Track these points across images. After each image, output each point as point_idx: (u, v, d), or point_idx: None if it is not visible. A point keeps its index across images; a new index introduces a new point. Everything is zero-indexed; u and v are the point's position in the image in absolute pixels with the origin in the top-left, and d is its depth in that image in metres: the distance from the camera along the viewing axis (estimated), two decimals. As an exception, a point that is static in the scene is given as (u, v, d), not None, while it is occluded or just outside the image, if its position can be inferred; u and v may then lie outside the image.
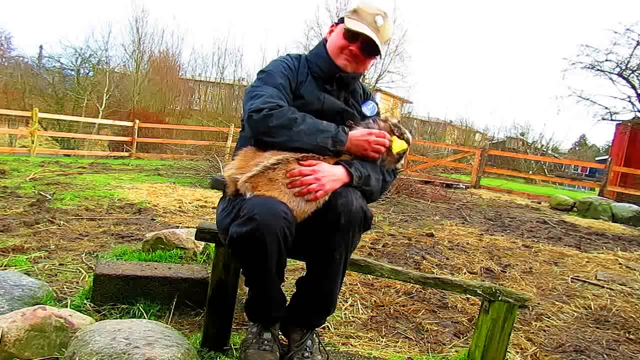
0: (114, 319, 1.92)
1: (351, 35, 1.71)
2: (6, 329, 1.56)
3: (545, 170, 24.80)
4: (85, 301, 2.11)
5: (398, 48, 17.62)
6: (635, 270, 4.30)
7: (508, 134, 28.91)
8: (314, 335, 1.75)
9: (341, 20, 1.77)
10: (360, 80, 1.94)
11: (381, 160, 1.70)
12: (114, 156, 12.97)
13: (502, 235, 5.41)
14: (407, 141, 1.73)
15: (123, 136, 14.16)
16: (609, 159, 12.17)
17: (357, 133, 1.64)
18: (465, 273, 3.52)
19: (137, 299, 2.12)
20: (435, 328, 2.42)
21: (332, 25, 1.81)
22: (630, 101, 14.83)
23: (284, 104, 1.58)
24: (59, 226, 3.70)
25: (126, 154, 13.38)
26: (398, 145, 1.69)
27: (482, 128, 30.30)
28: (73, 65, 20.04)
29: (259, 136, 1.59)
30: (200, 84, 24.35)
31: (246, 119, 1.59)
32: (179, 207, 5.11)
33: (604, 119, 15.35)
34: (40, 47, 25.45)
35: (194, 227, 2.34)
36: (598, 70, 14.92)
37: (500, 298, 1.82)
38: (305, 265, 1.72)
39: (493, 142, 28.63)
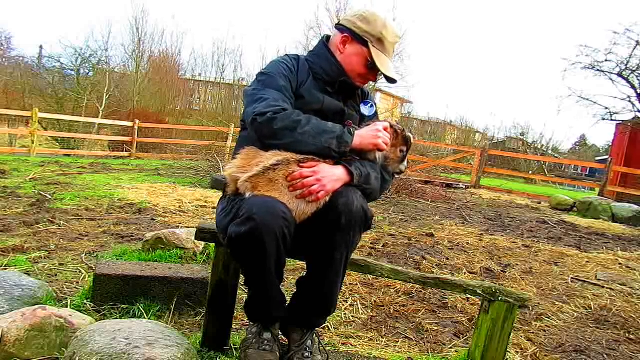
0: (114, 319, 1.92)
1: (375, 68, 1.72)
2: (6, 329, 1.56)
3: (545, 170, 24.78)
4: (85, 301, 2.12)
5: (398, 48, 17.59)
6: (635, 270, 4.30)
7: (508, 134, 28.88)
8: (314, 335, 1.75)
9: (356, 35, 1.71)
10: None
11: (384, 159, 1.70)
12: (114, 156, 12.96)
13: (502, 235, 5.41)
14: (408, 139, 1.74)
15: (123, 136, 14.15)
16: (609, 159, 12.16)
17: (364, 132, 1.64)
18: (465, 273, 3.52)
19: (137, 299, 2.12)
20: (435, 328, 2.42)
21: (345, 36, 1.74)
22: (630, 101, 14.83)
23: (288, 107, 1.58)
24: (59, 226, 3.70)
25: (126, 154, 13.38)
26: None
27: (482, 128, 30.30)
28: (73, 65, 20.05)
29: (264, 139, 1.58)
30: (200, 84, 24.34)
31: (250, 122, 1.58)
32: (179, 207, 5.11)
33: (604, 119, 15.36)
34: (40, 47, 25.43)
35: (194, 227, 2.34)
36: (598, 70, 14.93)
37: (500, 298, 1.82)
38: (305, 265, 1.72)
39: (493, 142, 28.60)
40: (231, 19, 52.14)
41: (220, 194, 1.79)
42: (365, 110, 1.84)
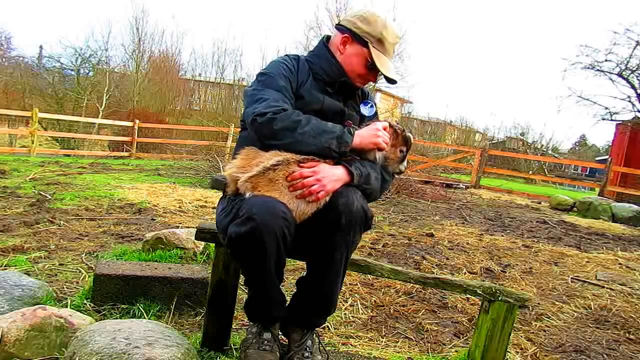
0: (114, 319, 1.92)
1: (375, 68, 1.72)
2: (6, 329, 1.56)
3: (545, 170, 24.78)
4: (85, 301, 2.12)
5: (398, 48, 17.54)
6: (635, 270, 4.30)
7: (508, 134, 28.89)
8: (314, 335, 1.75)
9: (356, 36, 1.72)
10: None
11: (384, 159, 1.70)
12: (114, 156, 12.96)
13: (502, 235, 5.41)
14: (408, 139, 1.74)
15: (123, 136, 14.15)
16: (609, 159, 12.16)
17: (364, 131, 1.65)
18: (465, 273, 3.52)
19: (137, 299, 2.12)
20: (435, 328, 2.42)
21: (345, 36, 1.74)
22: (630, 101, 14.83)
23: (288, 107, 1.58)
24: (59, 226, 3.70)
25: (126, 154, 13.38)
26: None
27: (482, 128, 30.31)
28: (73, 65, 20.04)
29: (264, 140, 1.58)
30: (200, 84, 24.34)
31: (250, 122, 1.58)
32: (179, 207, 5.11)
33: (604, 119, 15.37)
34: (40, 47, 25.44)
35: (194, 227, 2.34)
36: (598, 70, 14.93)
37: (500, 298, 1.82)
38: (305, 265, 1.72)
39: (493, 142, 28.60)
40: (231, 19, 52.21)
41: (220, 194, 1.79)
42: (365, 110, 1.84)
